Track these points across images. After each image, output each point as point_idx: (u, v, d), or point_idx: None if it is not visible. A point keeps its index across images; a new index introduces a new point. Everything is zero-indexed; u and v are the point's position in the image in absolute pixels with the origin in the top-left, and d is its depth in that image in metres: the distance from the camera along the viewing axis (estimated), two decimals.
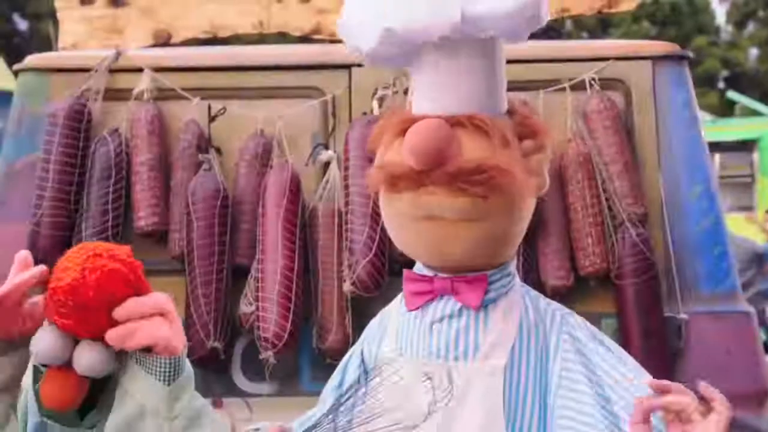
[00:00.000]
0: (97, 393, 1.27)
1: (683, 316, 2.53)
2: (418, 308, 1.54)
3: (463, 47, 1.45)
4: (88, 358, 1.20)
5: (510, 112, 1.52)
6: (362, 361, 1.62)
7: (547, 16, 1.49)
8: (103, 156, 2.63)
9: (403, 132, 1.47)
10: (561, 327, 1.52)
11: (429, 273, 1.54)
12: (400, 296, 1.61)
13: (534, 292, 1.59)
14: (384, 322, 1.63)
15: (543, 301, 1.57)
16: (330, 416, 1.48)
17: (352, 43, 1.50)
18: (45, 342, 1.20)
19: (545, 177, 1.52)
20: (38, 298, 1.27)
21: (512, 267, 1.57)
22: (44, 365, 1.22)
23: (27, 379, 1.34)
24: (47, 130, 2.61)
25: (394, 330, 1.58)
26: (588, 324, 1.54)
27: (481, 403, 1.48)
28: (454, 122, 1.44)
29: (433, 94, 1.48)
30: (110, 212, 2.60)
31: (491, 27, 1.43)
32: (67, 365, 1.20)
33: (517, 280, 1.58)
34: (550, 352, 1.50)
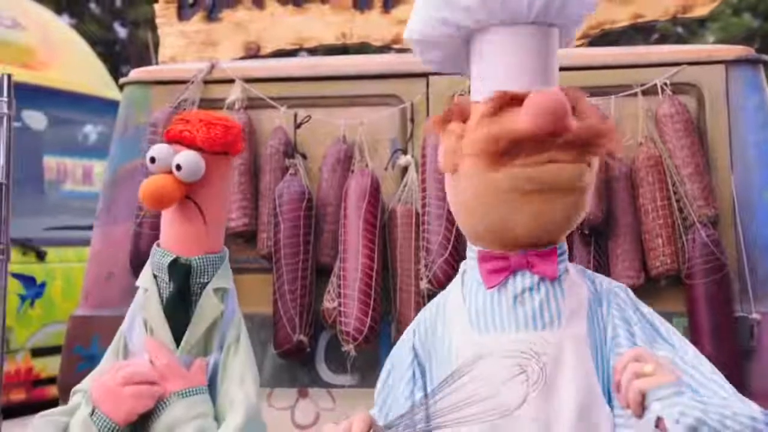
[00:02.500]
0: None
1: (755, 316, 2.55)
2: (497, 286, 1.57)
3: (531, 29, 1.54)
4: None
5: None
6: (416, 355, 1.64)
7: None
8: None
9: (496, 107, 1.51)
10: (610, 295, 1.59)
11: (498, 251, 1.58)
12: (449, 289, 1.67)
13: (579, 266, 1.67)
14: (441, 315, 1.66)
15: (588, 271, 1.65)
16: (420, 406, 1.53)
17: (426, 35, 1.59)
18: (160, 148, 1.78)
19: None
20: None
21: (566, 245, 1.64)
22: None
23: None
24: (149, 138, 2.79)
25: (465, 315, 1.60)
26: (630, 293, 1.61)
27: (575, 369, 1.53)
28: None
29: (502, 71, 1.53)
30: None
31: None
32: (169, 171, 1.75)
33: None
34: (604, 316, 1.58)
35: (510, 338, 1.56)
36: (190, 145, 1.78)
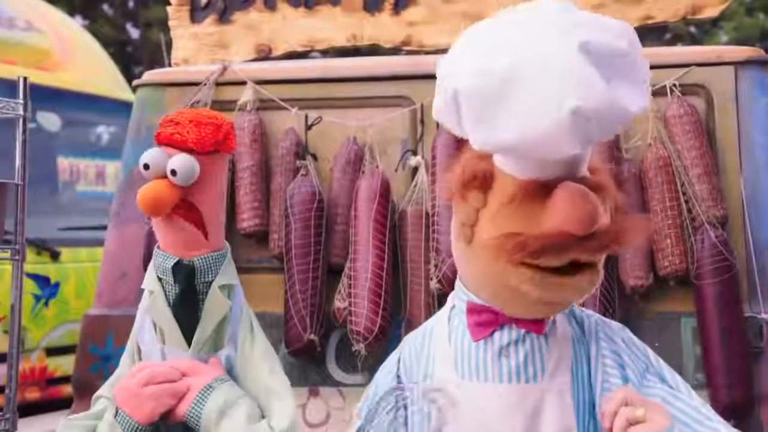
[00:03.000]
0: None
1: (764, 316, 2.56)
2: (483, 339, 1.56)
3: None
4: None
5: (590, 170, 1.50)
6: (399, 382, 1.65)
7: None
8: None
9: (527, 195, 1.41)
10: (598, 333, 1.58)
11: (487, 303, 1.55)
12: (437, 320, 1.65)
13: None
14: (427, 349, 1.64)
15: (576, 310, 1.62)
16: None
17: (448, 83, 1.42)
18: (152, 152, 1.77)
19: None
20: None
21: None
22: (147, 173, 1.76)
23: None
24: None
25: (450, 359, 1.59)
26: (615, 324, 1.61)
27: (555, 422, 1.54)
28: (588, 183, 1.42)
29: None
30: None
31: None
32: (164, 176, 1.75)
33: None
34: (592, 357, 1.57)
35: (492, 389, 1.56)
36: (182, 148, 1.76)
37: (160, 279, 1.80)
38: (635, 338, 1.61)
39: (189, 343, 1.79)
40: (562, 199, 1.38)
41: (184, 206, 1.78)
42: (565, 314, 1.60)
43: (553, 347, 1.57)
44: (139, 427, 1.73)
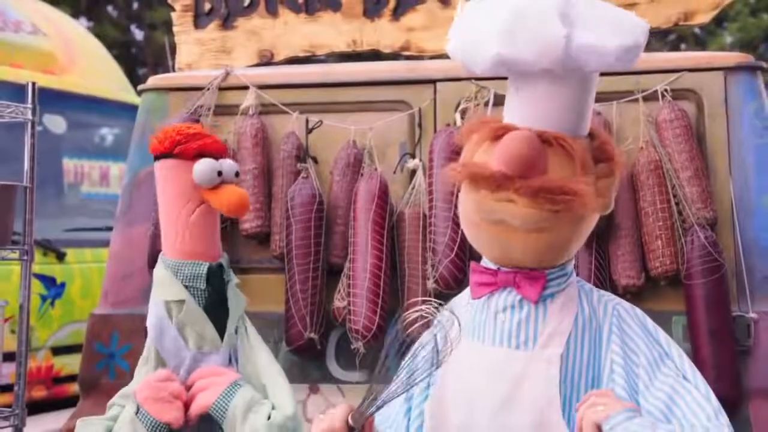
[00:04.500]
0: None
1: (752, 315, 2.62)
2: (481, 297, 1.68)
3: (563, 76, 1.59)
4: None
5: (591, 135, 1.66)
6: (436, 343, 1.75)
7: (642, 48, 1.61)
8: None
9: (494, 136, 1.61)
10: (612, 318, 1.66)
11: (493, 266, 1.69)
12: (467, 289, 1.77)
13: (588, 286, 1.74)
14: (458, 308, 1.75)
15: (596, 293, 1.71)
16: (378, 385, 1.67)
17: (466, 64, 1.66)
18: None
19: (611, 198, 1.67)
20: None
21: (570, 266, 1.71)
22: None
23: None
24: None
25: (463, 318, 1.70)
26: (637, 310, 1.68)
27: (538, 390, 1.62)
28: (543, 138, 1.58)
29: (527, 108, 1.62)
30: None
31: (591, 63, 1.57)
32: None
33: (574, 277, 1.72)
34: (603, 341, 1.65)
35: (482, 350, 1.66)
36: (214, 154, 1.96)
37: (188, 287, 1.92)
38: (650, 324, 1.67)
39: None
40: (504, 140, 1.57)
41: (210, 210, 1.98)
42: (574, 293, 1.68)
43: (551, 319, 1.65)
44: (161, 425, 1.85)
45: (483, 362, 1.68)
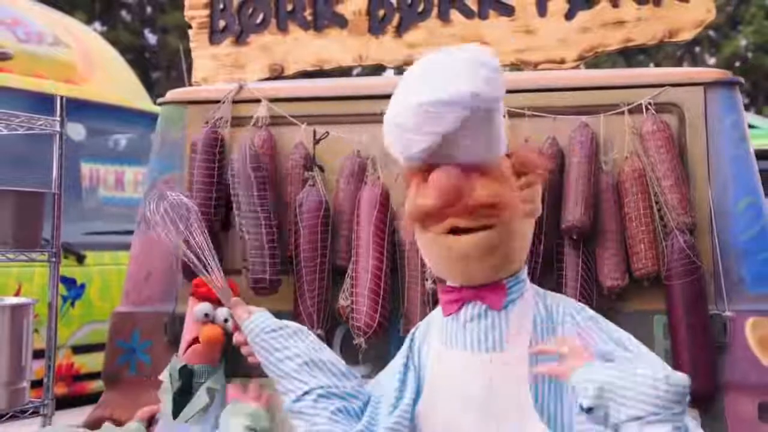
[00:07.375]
0: None
1: (729, 313, 2.76)
2: (451, 314, 1.92)
3: (471, 117, 1.80)
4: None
5: (509, 154, 1.89)
6: (409, 350, 2.02)
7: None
8: None
9: (423, 178, 1.85)
10: (565, 317, 1.89)
11: (456, 284, 1.92)
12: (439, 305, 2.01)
13: (542, 291, 1.98)
14: (430, 325, 2.03)
15: (550, 297, 1.94)
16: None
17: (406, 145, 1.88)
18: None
19: (538, 204, 1.91)
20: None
21: (524, 274, 1.96)
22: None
23: None
24: (189, 156, 3.04)
25: (440, 330, 1.96)
26: (586, 308, 1.91)
27: (510, 387, 1.84)
28: (463, 168, 1.80)
29: (450, 148, 1.83)
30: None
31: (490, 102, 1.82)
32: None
33: (528, 282, 1.96)
34: (558, 335, 1.89)
35: (459, 356, 1.89)
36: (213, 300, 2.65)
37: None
38: (601, 319, 1.90)
39: None
40: (430, 178, 1.81)
41: None
42: (530, 297, 1.90)
43: (513, 323, 1.87)
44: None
45: (460, 366, 1.91)
